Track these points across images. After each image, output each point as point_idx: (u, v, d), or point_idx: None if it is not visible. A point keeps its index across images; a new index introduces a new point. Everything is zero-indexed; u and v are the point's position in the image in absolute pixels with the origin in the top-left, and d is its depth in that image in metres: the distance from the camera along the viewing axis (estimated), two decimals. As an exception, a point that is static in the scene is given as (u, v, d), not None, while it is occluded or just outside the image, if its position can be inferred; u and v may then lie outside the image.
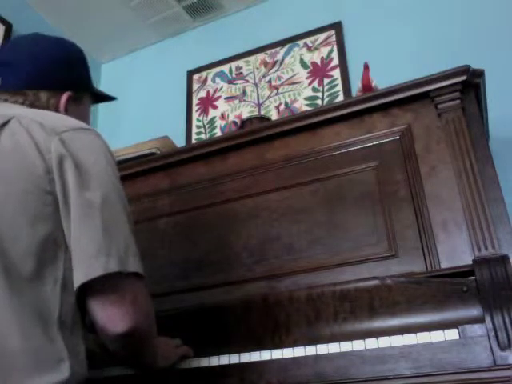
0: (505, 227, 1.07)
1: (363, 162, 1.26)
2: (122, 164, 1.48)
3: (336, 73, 2.12)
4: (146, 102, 2.54)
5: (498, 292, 0.94)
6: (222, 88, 2.38)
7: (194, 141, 2.29)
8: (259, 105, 2.24)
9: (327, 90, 2.10)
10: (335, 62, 2.14)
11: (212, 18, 2.54)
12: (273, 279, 1.23)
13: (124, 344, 0.81)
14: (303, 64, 2.22)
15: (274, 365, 1.02)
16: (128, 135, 2.20)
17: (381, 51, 2.02)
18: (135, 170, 1.53)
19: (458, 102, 1.20)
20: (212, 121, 2.32)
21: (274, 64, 2.29)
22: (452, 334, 0.93)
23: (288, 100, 2.18)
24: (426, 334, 0.95)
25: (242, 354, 1.07)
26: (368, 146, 1.27)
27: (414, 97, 1.25)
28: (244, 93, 2.30)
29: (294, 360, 1.02)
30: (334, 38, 2.19)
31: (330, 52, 2.18)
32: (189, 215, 1.42)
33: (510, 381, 0.86)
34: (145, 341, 0.85)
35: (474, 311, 0.96)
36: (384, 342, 0.97)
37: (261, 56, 2.33)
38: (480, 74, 1.21)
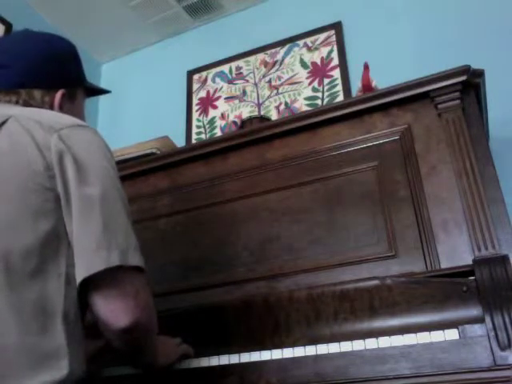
0: (505, 227, 1.07)
1: (363, 162, 1.26)
2: (121, 164, 1.48)
3: (336, 73, 2.12)
4: (146, 102, 2.54)
5: (498, 292, 0.94)
6: (221, 88, 2.38)
7: (194, 141, 2.29)
8: (259, 105, 2.24)
9: (327, 90, 2.10)
10: (335, 62, 2.14)
11: (212, 17, 2.54)
12: (273, 279, 1.23)
13: (126, 338, 0.82)
14: (303, 64, 2.22)
15: (273, 365, 1.02)
16: (128, 135, 2.20)
17: (381, 51, 2.02)
18: (135, 170, 1.53)
19: (457, 102, 1.20)
20: (212, 121, 2.32)
21: (273, 64, 2.29)
22: (452, 334, 0.93)
23: (288, 100, 2.18)
24: (425, 333, 0.95)
25: (241, 354, 1.07)
26: (368, 146, 1.27)
27: (413, 97, 1.25)
28: (244, 93, 2.30)
29: (294, 360, 1.02)
30: (334, 38, 2.19)
31: (330, 52, 2.18)
32: (189, 215, 1.42)
33: (509, 381, 0.86)
34: (147, 335, 0.85)
35: (474, 311, 0.96)
36: (384, 341, 0.97)
37: (261, 56, 2.33)
38: (480, 73, 1.21)
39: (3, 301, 0.74)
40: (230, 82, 2.37)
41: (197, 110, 2.38)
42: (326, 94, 2.10)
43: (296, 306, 1.11)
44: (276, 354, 1.04)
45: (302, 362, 1.01)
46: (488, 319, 0.92)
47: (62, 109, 0.98)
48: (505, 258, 1.00)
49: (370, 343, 0.98)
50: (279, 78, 2.25)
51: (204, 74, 2.45)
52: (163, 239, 1.42)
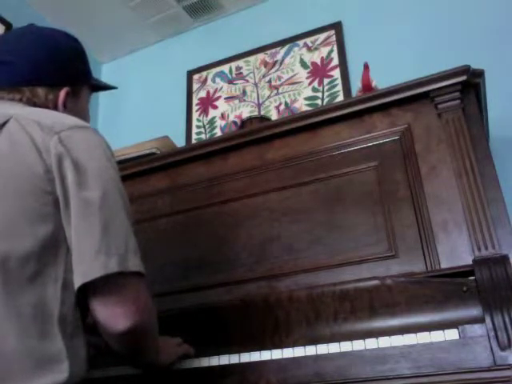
0: (505, 227, 1.07)
1: (363, 162, 1.26)
2: (121, 164, 1.48)
3: (336, 73, 2.12)
4: (145, 102, 2.54)
5: (498, 292, 0.94)
6: (221, 88, 2.38)
7: (194, 141, 2.29)
8: (259, 105, 2.24)
9: (327, 90, 2.10)
10: (335, 62, 2.14)
11: (212, 18, 2.54)
12: (273, 279, 1.23)
13: (126, 342, 0.81)
14: (303, 64, 2.22)
15: (273, 365, 1.02)
16: (128, 135, 2.20)
17: (381, 51, 2.02)
18: (135, 170, 1.53)
19: (457, 101, 1.20)
20: (212, 121, 2.32)
21: (273, 64, 2.29)
22: (452, 334, 0.93)
23: (288, 100, 2.17)
24: (426, 333, 0.95)
25: (241, 354, 1.07)
26: (368, 146, 1.27)
27: (414, 97, 1.25)
28: (244, 93, 2.30)
29: (294, 360, 1.02)
30: (334, 38, 2.19)
31: (330, 52, 2.18)
32: (189, 215, 1.42)
33: (509, 381, 0.86)
34: (147, 338, 0.85)
35: (474, 311, 0.96)
36: (384, 341, 0.97)
37: (261, 56, 2.33)
38: (480, 73, 1.21)
39: (1, 305, 0.73)
40: (230, 82, 2.37)
41: (197, 110, 2.38)
42: (326, 94, 2.10)
43: (296, 306, 1.11)
44: (276, 353, 1.04)
45: (301, 362, 1.01)
46: (488, 319, 0.92)
47: (66, 107, 0.97)
48: (505, 257, 1.00)
49: (370, 343, 0.98)
50: (279, 78, 2.25)
51: (204, 74, 2.45)
52: (163, 239, 1.42)
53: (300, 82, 2.18)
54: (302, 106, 2.13)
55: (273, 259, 1.25)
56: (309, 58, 2.22)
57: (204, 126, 2.32)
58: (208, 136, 2.28)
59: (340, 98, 2.05)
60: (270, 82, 2.26)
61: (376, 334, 1.00)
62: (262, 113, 2.19)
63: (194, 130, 2.33)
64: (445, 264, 1.08)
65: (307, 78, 2.18)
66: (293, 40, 2.28)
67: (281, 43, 2.31)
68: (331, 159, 1.30)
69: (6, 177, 0.80)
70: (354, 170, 1.26)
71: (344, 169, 1.27)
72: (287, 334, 1.08)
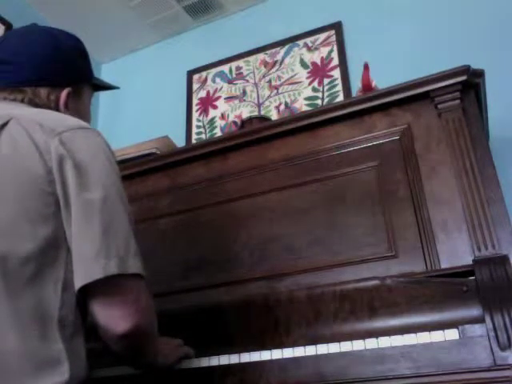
0: (505, 227, 1.07)
1: (363, 162, 1.26)
2: (121, 164, 1.48)
3: (336, 73, 2.12)
4: (145, 102, 2.54)
5: (498, 292, 0.94)
6: (222, 88, 2.38)
7: (194, 141, 2.29)
8: (259, 105, 2.24)
9: (327, 90, 2.10)
10: (335, 61, 2.14)
11: (212, 18, 2.54)
12: (273, 279, 1.23)
13: (126, 344, 0.81)
14: (303, 64, 2.22)
15: (273, 365, 1.02)
16: (128, 135, 2.20)
17: (381, 51, 2.02)
18: (135, 170, 1.53)
19: (457, 101, 1.20)
20: (212, 121, 2.32)
21: (273, 64, 2.29)
22: (452, 334, 0.93)
23: (288, 100, 2.18)
24: (425, 334, 0.95)
25: (241, 354, 1.07)
26: (368, 146, 1.27)
27: (413, 97, 1.25)
28: (244, 93, 2.30)
29: (294, 360, 1.02)
30: (334, 38, 2.19)
31: (330, 52, 2.18)
32: (189, 215, 1.42)
33: (509, 381, 0.86)
34: (147, 340, 0.85)
35: (474, 311, 0.96)
36: (384, 342, 0.97)
37: (261, 56, 2.33)
38: (480, 73, 1.21)
39: (2, 305, 0.73)
40: (230, 82, 2.37)
41: (197, 110, 2.38)
42: (326, 93, 2.10)
43: (296, 306, 1.11)
44: (276, 353, 1.04)
45: (301, 362, 1.01)
46: (488, 319, 0.92)
47: (67, 107, 0.97)
48: (505, 257, 1.00)
49: (370, 343, 0.98)
50: (279, 77, 2.25)
51: (204, 74, 2.45)
52: (163, 239, 1.42)
53: (300, 82, 2.18)
54: (302, 106, 2.13)
55: (273, 259, 1.25)
56: (309, 58, 2.22)
57: (204, 126, 2.32)
58: (208, 136, 2.28)
59: (340, 98, 2.05)
60: (269, 82, 2.26)
61: (376, 334, 0.99)
62: (262, 113, 2.19)
63: (194, 130, 2.33)
64: (445, 264, 1.08)
65: (307, 78, 2.18)
66: (293, 40, 2.28)
67: (281, 43, 2.31)
68: (331, 159, 1.30)
69: (7, 177, 0.79)
70: (354, 169, 1.26)
71: (344, 169, 1.27)
72: (287, 334, 1.08)
